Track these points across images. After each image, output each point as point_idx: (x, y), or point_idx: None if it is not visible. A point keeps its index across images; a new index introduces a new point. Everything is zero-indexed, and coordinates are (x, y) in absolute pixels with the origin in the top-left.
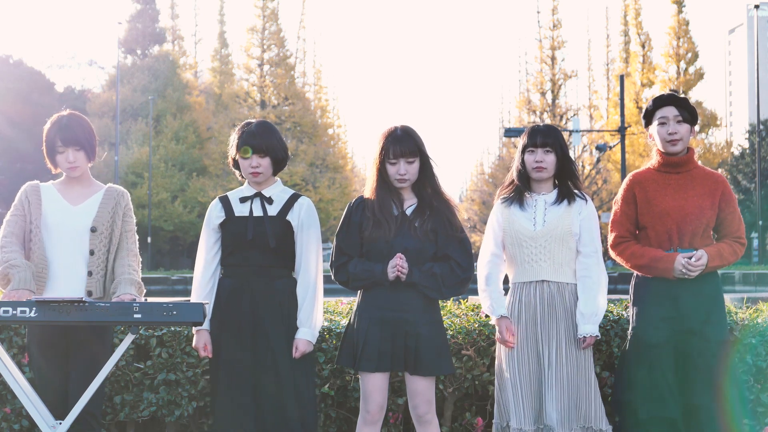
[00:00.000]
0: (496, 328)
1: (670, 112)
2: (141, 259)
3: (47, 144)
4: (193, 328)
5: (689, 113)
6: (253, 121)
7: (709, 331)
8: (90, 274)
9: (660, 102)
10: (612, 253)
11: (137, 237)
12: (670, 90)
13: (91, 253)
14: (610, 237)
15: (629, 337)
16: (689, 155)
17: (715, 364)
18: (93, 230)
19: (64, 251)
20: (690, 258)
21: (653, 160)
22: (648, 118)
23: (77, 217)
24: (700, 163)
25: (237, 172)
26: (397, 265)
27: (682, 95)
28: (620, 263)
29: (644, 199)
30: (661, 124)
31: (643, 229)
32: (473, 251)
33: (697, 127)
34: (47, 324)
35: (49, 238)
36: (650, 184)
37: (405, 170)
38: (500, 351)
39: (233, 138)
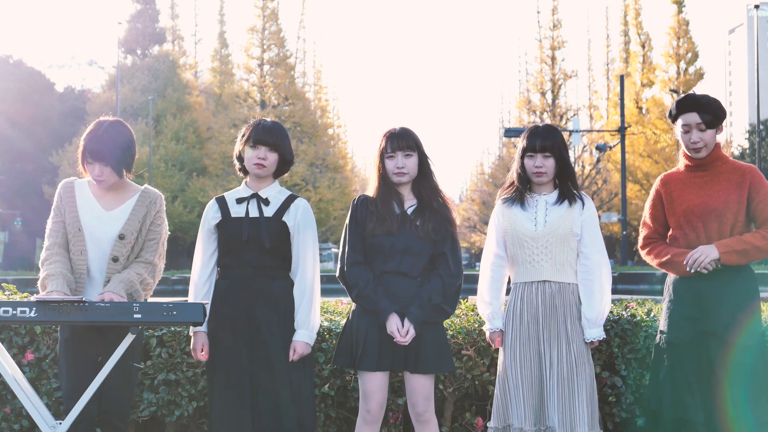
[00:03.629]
0: (487, 334)
1: (693, 119)
2: (159, 269)
3: (81, 150)
4: (191, 329)
5: (714, 116)
6: (268, 119)
7: (731, 335)
8: (110, 281)
9: (683, 107)
10: (642, 254)
11: (162, 246)
12: (671, 90)
13: (114, 260)
14: (641, 236)
15: (657, 336)
16: (715, 153)
17: (737, 370)
18: (121, 237)
19: (94, 256)
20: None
21: (680, 162)
22: (673, 118)
23: (109, 223)
24: (731, 157)
25: (238, 166)
26: (398, 340)
27: (705, 96)
28: (650, 264)
29: (669, 199)
30: (685, 131)
31: (672, 231)
32: (473, 251)
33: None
34: (47, 324)
35: (85, 242)
36: (676, 184)
37: (402, 163)
38: (501, 352)
39: (243, 131)
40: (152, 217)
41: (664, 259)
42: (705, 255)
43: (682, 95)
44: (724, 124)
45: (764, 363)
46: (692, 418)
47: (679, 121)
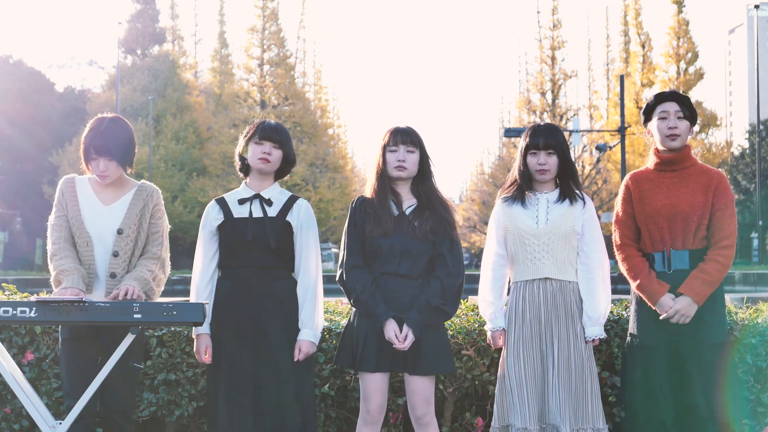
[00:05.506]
0: (488, 333)
1: (672, 107)
2: (168, 262)
3: (83, 148)
4: (193, 332)
5: (690, 111)
6: (271, 120)
7: (702, 334)
8: (113, 275)
9: (662, 97)
10: (616, 252)
11: (165, 240)
12: (670, 90)
13: (115, 254)
14: (616, 236)
15: (628, 338)
16: (685, 152)
17: (708, 367)
18: (119, 232)
19: (97, 251)
20: (672, 308)
21: (650, 161)
22: (648, 113)
23: (107, 218)
24: (700, 161)
25: (239, 165)
26: (396, 346)
27: (684, 94)
28: (618, 265)
29: (638, 197)
30: (662, 118)
31: (639, 231)
32: (473, 251)
33: (696, 128)
34: (47, 324)
35: (87, 237)
36: (645, 182)
37: (404, 157)
38: (504, 351)
39: (247, 129)
40: (151, 211)
41: (634, 283)
42: (686, 317)
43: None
44: (723, 124)
45: (738, 357)
46: (663, 417)
47: (657, 110)
